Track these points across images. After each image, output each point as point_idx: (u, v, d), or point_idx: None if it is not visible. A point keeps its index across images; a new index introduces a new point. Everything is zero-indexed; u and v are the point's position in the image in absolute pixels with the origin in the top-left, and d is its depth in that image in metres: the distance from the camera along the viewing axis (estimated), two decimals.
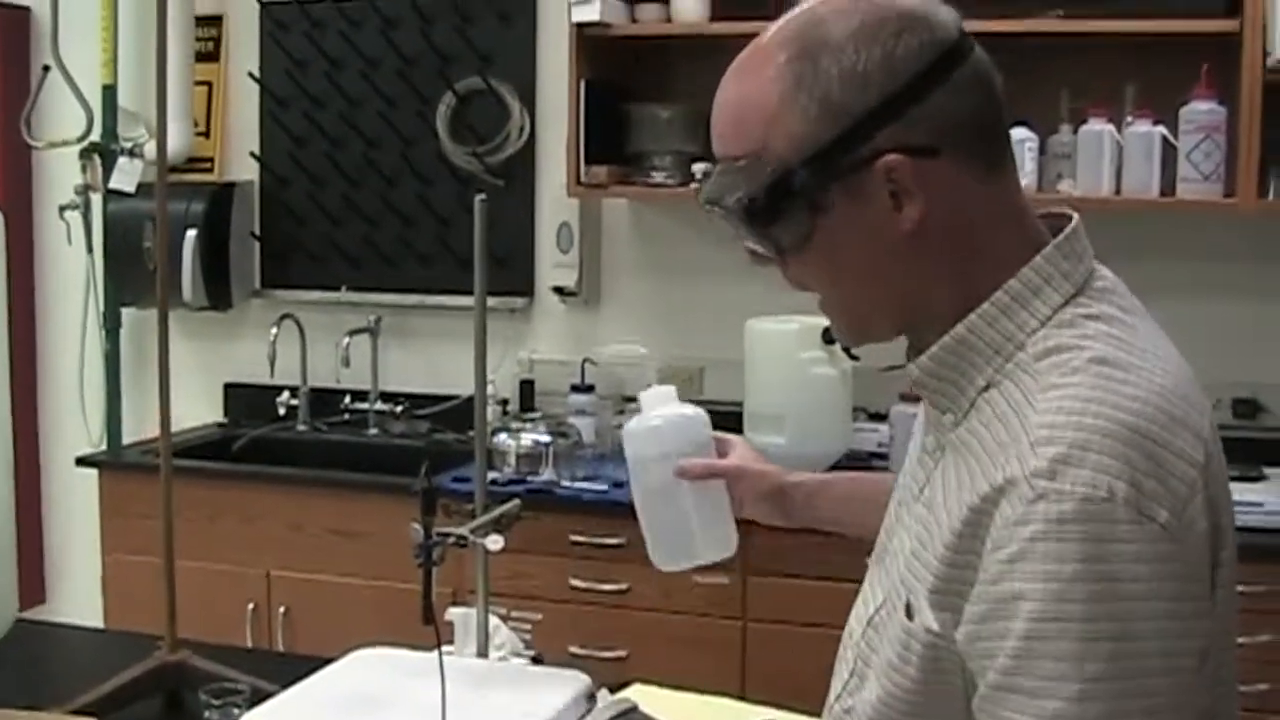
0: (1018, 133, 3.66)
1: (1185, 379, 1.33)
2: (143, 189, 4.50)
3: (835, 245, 1.35)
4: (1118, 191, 3.64)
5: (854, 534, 1.87)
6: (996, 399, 1.33)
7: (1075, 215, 1.41)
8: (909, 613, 1.35)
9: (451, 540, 1.84)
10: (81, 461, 4.32)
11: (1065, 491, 1.20)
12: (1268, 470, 3.55)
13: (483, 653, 2.05)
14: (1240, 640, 3.40)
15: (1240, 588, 3.44)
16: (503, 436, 3.86)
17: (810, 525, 1.95)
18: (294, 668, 2.13)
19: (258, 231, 4.69)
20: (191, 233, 4.46)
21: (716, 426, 1.98)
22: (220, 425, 4.69)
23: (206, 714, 1.94)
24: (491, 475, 3.67)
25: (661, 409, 1.92)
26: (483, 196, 1.93)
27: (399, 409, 4.48)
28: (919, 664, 1.34)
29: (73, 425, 4.77)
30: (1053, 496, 1.20)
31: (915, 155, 1.30)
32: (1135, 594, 1.20)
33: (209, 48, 4.70)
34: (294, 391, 4.54)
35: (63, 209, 4.62)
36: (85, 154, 4.55)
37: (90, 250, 4.64)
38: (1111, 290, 1.39)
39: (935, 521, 1.34)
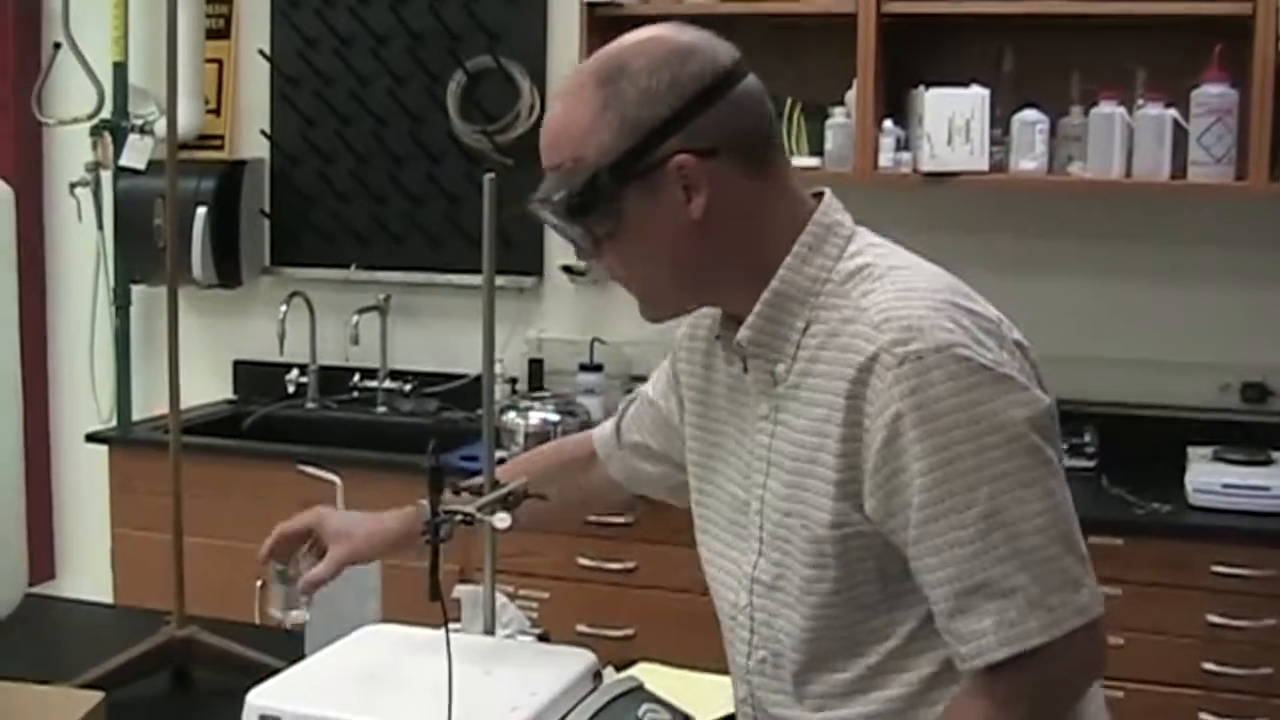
0: (1029, 114, 3.66)
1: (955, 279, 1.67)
2: (153, 166, 4.51)
3: (640, 233, 1.66)
4: (1128, 174, 3.63)
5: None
6: (818, 330, 1.65)
7: (827, 190, 1.75)
8: (808, 529, 1.65)
9: (459, 518, 1.84)
10: (91, 438, 4.34)
11: (921, 349, 1.53)
12: (1275, 455, 3.54)
13: (490, 630, 2.06)
14: (1245, 624, 3.43)
15: (1247, 572, 3.47)
16: (511, 415, 3.87)
17: None
18: (301, 644, 2.15)
19: (268, 209, 4.69)
20: (201, 210, 4.46)
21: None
22: (230, 402, 4.71)
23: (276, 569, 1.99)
24: (500, 454, 3.67)
25: None
26: (492, 175, 1.94)
27: (408, 387, 4.49)
28: (835, 563, 1.64)
29: (83, 402, 4.79)
30: (912, 357, 1.54)
31: (700, 155, 1.62)
32: (1002, 406, 1.53)
33: (219, 25, 4.70)
34: (303, 369, 4.55)
35: (73, 186, 4.63)
36: (96, 131, 4.56)
37: (100, 227, 4.65)
38: (870, 232, 1.74)
39: (811, 446, 1.64)
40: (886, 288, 1.61)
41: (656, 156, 1.62)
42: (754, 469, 1.73)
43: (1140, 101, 3.64)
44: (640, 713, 1.75)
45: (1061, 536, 1.54)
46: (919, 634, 1.64)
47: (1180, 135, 3.59)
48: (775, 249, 1.68)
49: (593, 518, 3.63)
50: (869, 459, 1.57)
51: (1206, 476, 3.40)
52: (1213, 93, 3.53)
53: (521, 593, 3.53)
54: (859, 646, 1.68)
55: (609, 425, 2.17)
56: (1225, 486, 3.35)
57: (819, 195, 1.74)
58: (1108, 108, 3.64)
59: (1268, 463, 3.49)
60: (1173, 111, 3.59)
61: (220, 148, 4.72)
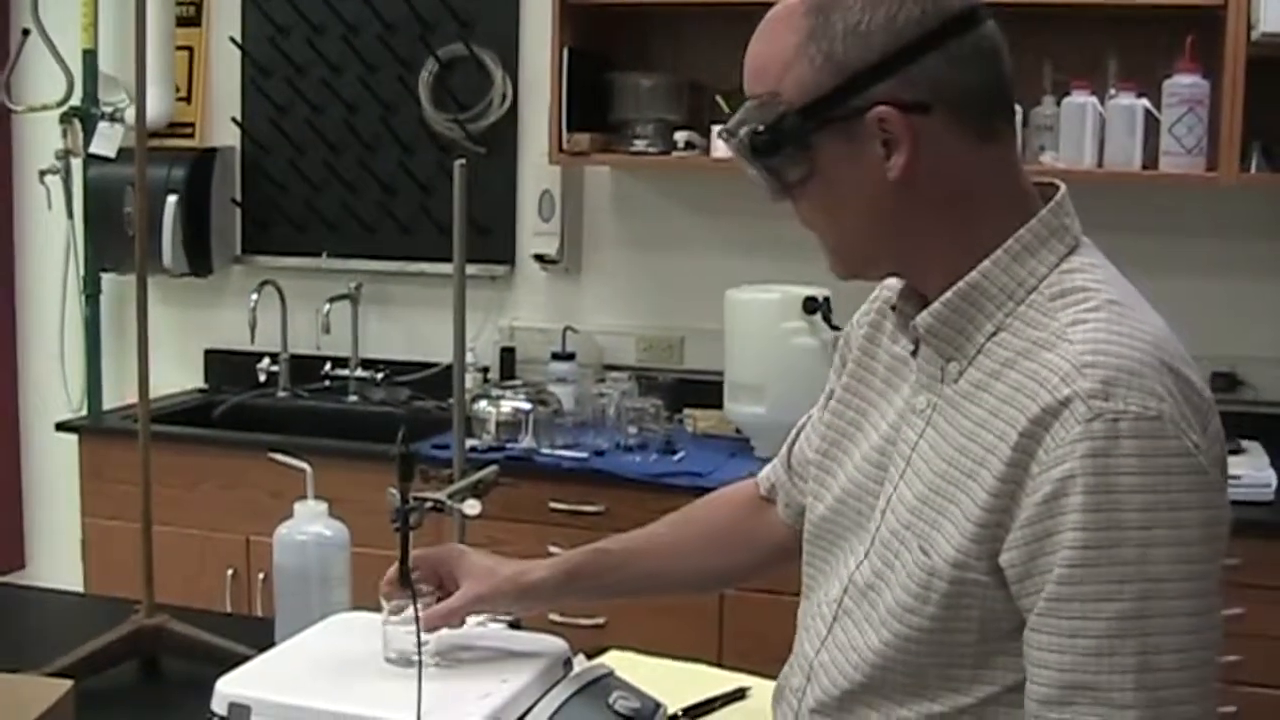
0: None
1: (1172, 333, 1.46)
2: (123, 154, 4.49)
3: (831, 185, 1.49)
4: (1100, 164, 3.64)
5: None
6: (1009, 340, 1.45)
7: (1062, 184, 1.54)
8: (924, 553, 1.46)
9: (429, 505, 1.84)
10: (62, 426, 4.31)
11: (1119, 410, 1.33)
12: (1245, 444, 3.56)
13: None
14: None
15: None
16: (483, 404, 3.86)
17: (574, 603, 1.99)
18: (272, 632, 2.14)
19: (239, 197, 4.67)
20: (172, 198, 4.44)
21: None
22: (201, 391, 4.69)
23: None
24: (471, 443, 3.68)
25: (308, 526, 2.18)
26: (462, 162, 1.93)
27: (379, 376, 4.48)
28: (940, 600, 1.44)
29: (53, 390, 4.76)
30: (1109, 415, 1.33)
31: (907, 110, 1.43)
32: (1185, 503, 1.33)
33: (190, 12, 4.67)
34: (274, 358, 4.53)
35: (43, 173, 4.61)
36: (65, 118, 4.53)
37: (70, 215, 4.63)
38: (1096, 250, 1.54)
39: (962, 469, 1.44)
40: (1101, 324, 1.40)
41: (856, 104, 1.44)
42: (893, 463, 1.56)
43: (1112, 91, 3.65)
44: (611, 700, 1.75)
45: (1198, 680, 1.34)
46: (997, 700, 1.45)
47: (1152, 125, 3.60)
48: (984, 234, 1.49)
49: (562, 506, 3.64)
50: (1024, 509, 1.37)
51: None
52: (1184, 83, 3.54)
53: None
54: (928, 691, 1.49)
55: (780, 455, 1.93)
56: None
57: (1043, 185, 1.55)
58: (1080, 97, 3.65)
59: (1238, 451, 3.50)
60: (1144, 102, 3.60)
61: (191, 135, 4.70)
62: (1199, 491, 1.34)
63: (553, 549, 3.68)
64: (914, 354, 1.58)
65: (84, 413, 4.60)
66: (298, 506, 2.20)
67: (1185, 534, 1.33)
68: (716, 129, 3.76)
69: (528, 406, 3.86)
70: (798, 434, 1.90)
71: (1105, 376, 1.35)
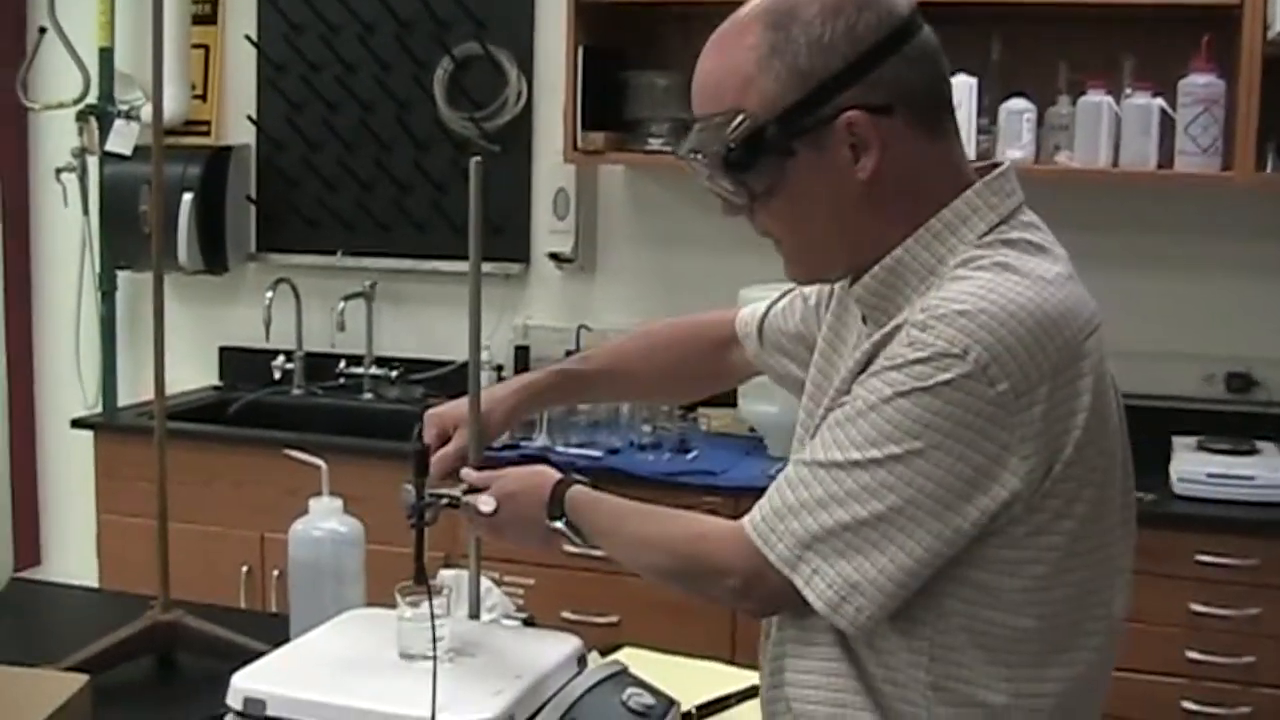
0: (1016, 104, 3.66)
1: (1078, 305, 1.52)
2: (139, 152, 4.50)
3: (800, 192, 1.56)
4: (1115, 163, 3.63)
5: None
6: None
7: (1007, 162, 1.62)
8: None
9: (444, 501, 1.84)
10: (77, 424, 4.33)
11: (928, 342, 1.44)
12: (1260, 444, 3.55)
13: (474, 614, 2.06)
14: (1228, 613, 3.43)
15: (1230, 561, 3.48)
16: None
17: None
18: (287, 628, 2.15)
19: (254, 195, 4.68)
20: (188, 196, 4.45)
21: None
22: (215, 389, 4.70)
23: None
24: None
25: (323, 523, 2.21)
26: (478, 159, 1.93)
27: (394, 374, 4.49)
28: None
29: (68, 387, 4.78)
30: (919, 344, 1.44)
31: (873, 112, 1.51)
32: (943, 429, 1.43)
33: (206, 11, 4.68)
34: (289, 355, 4.54)
35: (59, 171, 4.62)
36: (82, 116, 4.54)
37: (86, 213, 4.64)
38: (1035, 225, 1.60)
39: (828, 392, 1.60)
40: (972, 281, 1.48)
41: (825, 112, 1.51)
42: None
43: (1128, 91, 3.64)
44: (624, 696, 1.75)
45: (875, 535, 1.46)
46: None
47: (1167, 125, 3.59)
48: (926, 219, 1.56)
49: None
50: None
51: (1191, 466, 3.41)
52: (1200, 83, 3.54)
53: (507, 579, 3.52)
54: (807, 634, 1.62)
55: (754, 309, 2.05)
56: (1210, 476, 3.36)
57: (988, 168, 1.61)
58: (1095, 97, 3.64)
59: (1252, 452, 3.50)
60: (1160, 101, 3.59)
61: (206, 134, 4.71)
62: (977, 433, 1.42)
63: (567, 547, 3.68)
64: (865, 323, 1.64)
65: (99, 410, 4.61)
66: (313, 503, 2.21)
67: (918, 464, 1.44)
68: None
69: None
70: (778, 299, 2.01)
71: (935, 314, 1.45)
